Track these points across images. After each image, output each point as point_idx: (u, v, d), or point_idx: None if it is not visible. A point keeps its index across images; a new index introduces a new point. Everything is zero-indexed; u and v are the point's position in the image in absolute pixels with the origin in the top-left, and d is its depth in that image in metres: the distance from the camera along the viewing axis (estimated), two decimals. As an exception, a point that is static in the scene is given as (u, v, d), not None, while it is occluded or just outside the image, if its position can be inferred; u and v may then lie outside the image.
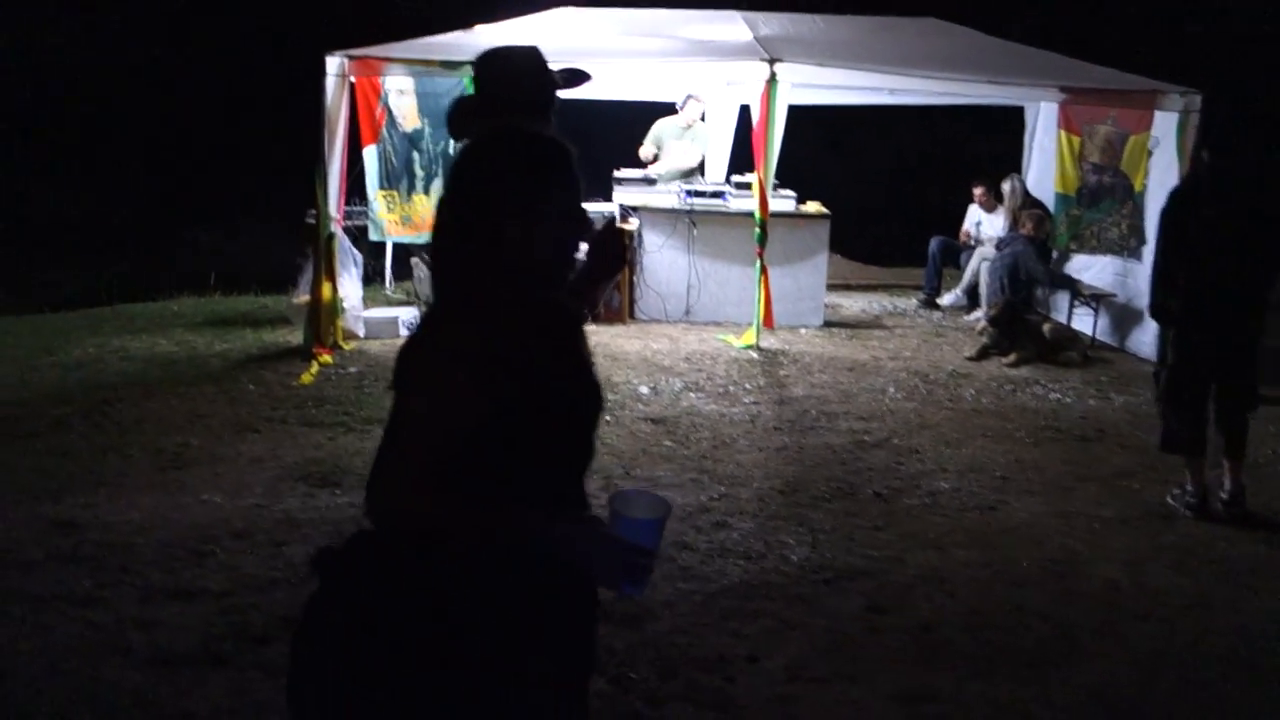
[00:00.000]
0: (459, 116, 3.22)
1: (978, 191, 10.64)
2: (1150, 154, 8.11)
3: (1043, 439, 6.59)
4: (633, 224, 9.19)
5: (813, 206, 9.46)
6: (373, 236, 8.34)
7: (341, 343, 8.13)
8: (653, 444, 6.25)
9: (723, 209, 9.33)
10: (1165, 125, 8.10)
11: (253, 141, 15.57)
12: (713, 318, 9.44)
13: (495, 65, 3.15)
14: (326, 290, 7.96)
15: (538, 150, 2.10)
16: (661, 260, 9.38)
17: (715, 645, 3.83)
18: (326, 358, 7.78)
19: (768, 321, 8.37)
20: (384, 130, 8.11)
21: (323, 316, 7.96)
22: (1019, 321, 8.65)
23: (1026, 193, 10.36)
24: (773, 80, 7.88)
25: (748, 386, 7.48)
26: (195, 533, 4.74)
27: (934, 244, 10.79)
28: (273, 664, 3.66)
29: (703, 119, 10.29)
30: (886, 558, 4.69)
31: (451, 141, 7.93)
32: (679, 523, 4.87)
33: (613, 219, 8.90)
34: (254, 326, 9.06)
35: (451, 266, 2.10)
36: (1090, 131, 8.22)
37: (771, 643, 3.86)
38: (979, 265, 10.31)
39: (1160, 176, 8.15)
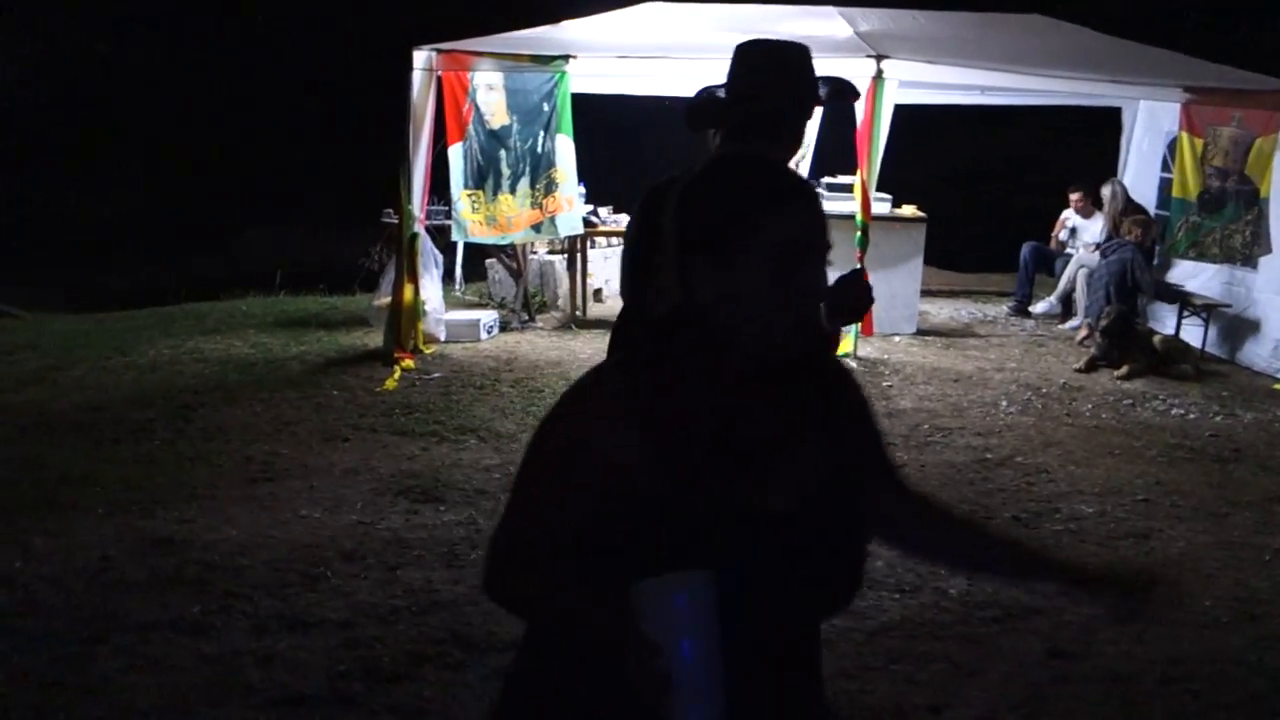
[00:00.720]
0: (702, 107, 2.86)
1: (1074, 196, 10.19)
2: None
3: (1176, 459, 6.17)
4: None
5: (908, 210, 9.06)
6: (455, 237, 8.04)
7: (422, 346, 7.83)
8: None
9: (815, 211, 8.93)
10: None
11: (323, 138, 15.40)
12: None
13: (758, 56, 2.80)
14: (409, 292, 7.67)
15: (787, 186, 1.67)
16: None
17: (889, 693, 3.47)
18: (409, 362, 7.48)
19: (866, 329, 7.98)
20: (470, 127, 7.79)
21: (404, 320, 7.67)
22: (1130, 332, 8.20)
23: (1128, 197, 9.91)
24: (879, 78, 7.50)
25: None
26: (301, 553, 4.43)
27: (1026, 249, 10.34)
28: (406, 706, 3.34)
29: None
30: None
31: (541, 139, 7.64)
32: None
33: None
34: (328, 328, 8.78)
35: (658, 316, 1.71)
36: (1214, 134, 7.77)
37: (951, 691, 3.49)
38: (1075, 272, 9.87)
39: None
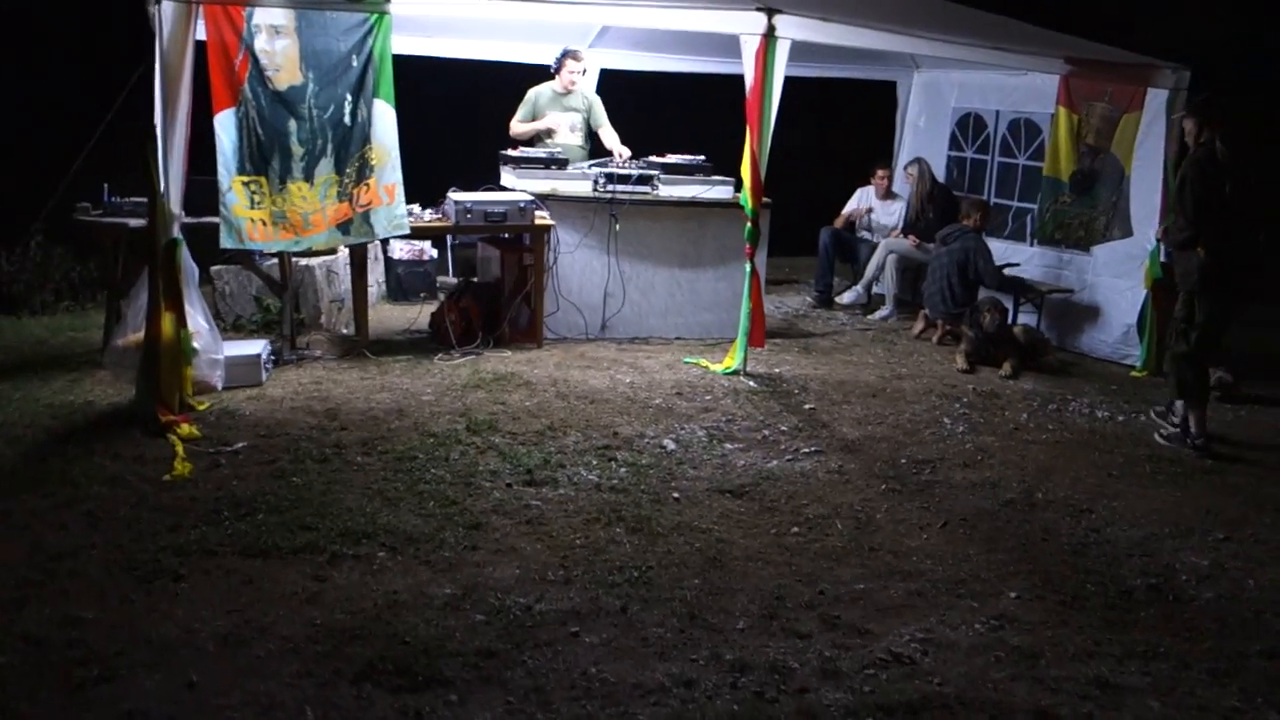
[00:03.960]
0: None
1: (879, 175, 9.52)
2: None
3: (1175, 475, 5.48)
4: (544, 218, 7.13)
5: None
6: (225, 243, 5.71)
7: (192, 400, 5.51)
8: (771, 532, 4.44)
9: (652, 198, 7.50)
10: (1153, 104, 7.32)
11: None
12: (634, 333, 7.62)
13: None
14: (168, 324, 5.32)
15: None
16: (574, 264, 7.39)
17: None
18: (188, 428, 5.17)
19: (758, 339, 6.69)
20: (246, 88, 5.54)
21: (167, 365, 5.32)
22: (1005, 328, 7.58)
23: (934, 177, 9.39)
24: (770, 36, 6.20)
25: (784, 429, 5.79)
26: None
27: (825, 235, 9.53)
28: None
29: (584, 78, 8.36)
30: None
31: (349, 105, 5.63)
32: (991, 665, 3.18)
33: None
34: (41, 374, 6.09)
35: None
36: (1089, 109, 7.27)
37: None
38: (884, 259, 9.21)
39: (1147, 157, 7.38)
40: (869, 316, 9.08)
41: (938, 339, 8.11)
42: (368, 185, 5.91)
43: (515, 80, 8.87)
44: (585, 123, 8.33)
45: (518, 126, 8.26)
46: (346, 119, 5.76)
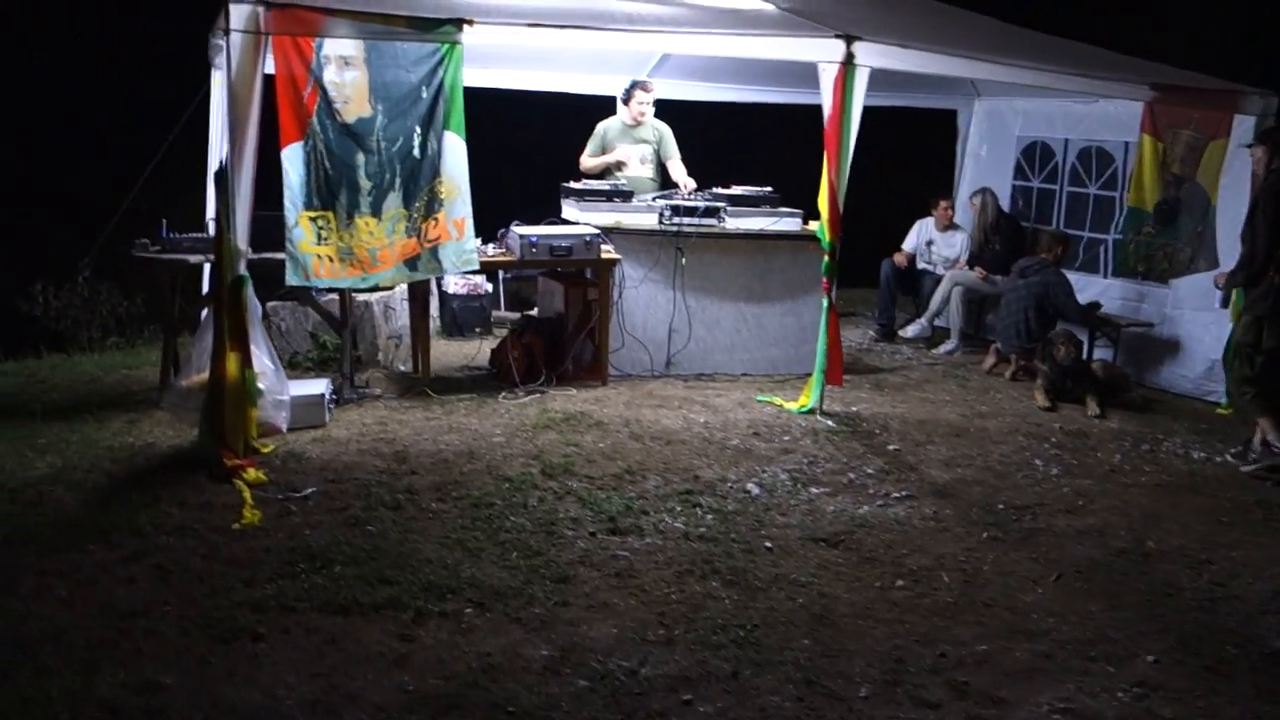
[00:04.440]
0: None
1: (942, 206, 9.26)
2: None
3: (1289, 522, 5.18)
4: (609, 252, 6.92)
5: (817, 225, 7.59)
6: (291, 280, 5.52)
7: (257, 443, 5.30)
8: (875, 586, 4.17)
9: (718, 230, 7.28)
10: (1240, 131, 7.05)
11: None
12: (700, 369, 7.37)
13: None
14: (233, 365, 5.13)
15: None
16: (639, 298, 7.17)
17: None
18: (255, 473, 4.96)
19: (835, 377, 6.42)
20: (314, 120, 5.37)
21: (231, 408, 5.12)
22: (1081, 362, 7.29)
23: (999, 208, 9.14)
24: (849, 64, 5.98)
25: (870, 471, 5.52)
26: None
27: (886, 267, 9.28)
28: None
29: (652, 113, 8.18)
30: None
31: (419, 138, 5.46)
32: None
33: None
34: (63, 417, 5.91)
35: None
36: (1174, 137, 7.01)
37: None
38: (949, 291, 8.94)
39: (1233, 186, 7.10)
40: (934, 351, 8.80)
41: (1011, 374, 7.81)
42: (436, 220, 5.71)
43: (570, 111, 8.72)
44: (656, 155, 8.15)
45: (588, 161, 8.09)
46: (416, 151, 5.57)
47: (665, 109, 9.17)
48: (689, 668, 3.47)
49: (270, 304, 7.28)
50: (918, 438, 6.14)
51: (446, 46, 5.51)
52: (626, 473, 5.27)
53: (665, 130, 8.20)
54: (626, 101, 8.02)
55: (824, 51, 6.01)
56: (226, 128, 5.11)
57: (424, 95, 5.55)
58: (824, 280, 6.33)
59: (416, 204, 5.64)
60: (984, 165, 9.92)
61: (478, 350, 7.49)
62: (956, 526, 4.88)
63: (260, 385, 5.32)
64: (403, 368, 7.29)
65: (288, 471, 5.10)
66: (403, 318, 7.47)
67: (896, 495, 5.22)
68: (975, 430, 6.37)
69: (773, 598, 4.03)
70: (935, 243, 9.40)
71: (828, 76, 6.05)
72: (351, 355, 6.67)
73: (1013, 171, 9.57)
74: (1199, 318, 7.60)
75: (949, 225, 9.34)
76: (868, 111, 6.09)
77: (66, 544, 4.19)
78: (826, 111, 6.08)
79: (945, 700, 3.35)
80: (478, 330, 8.47)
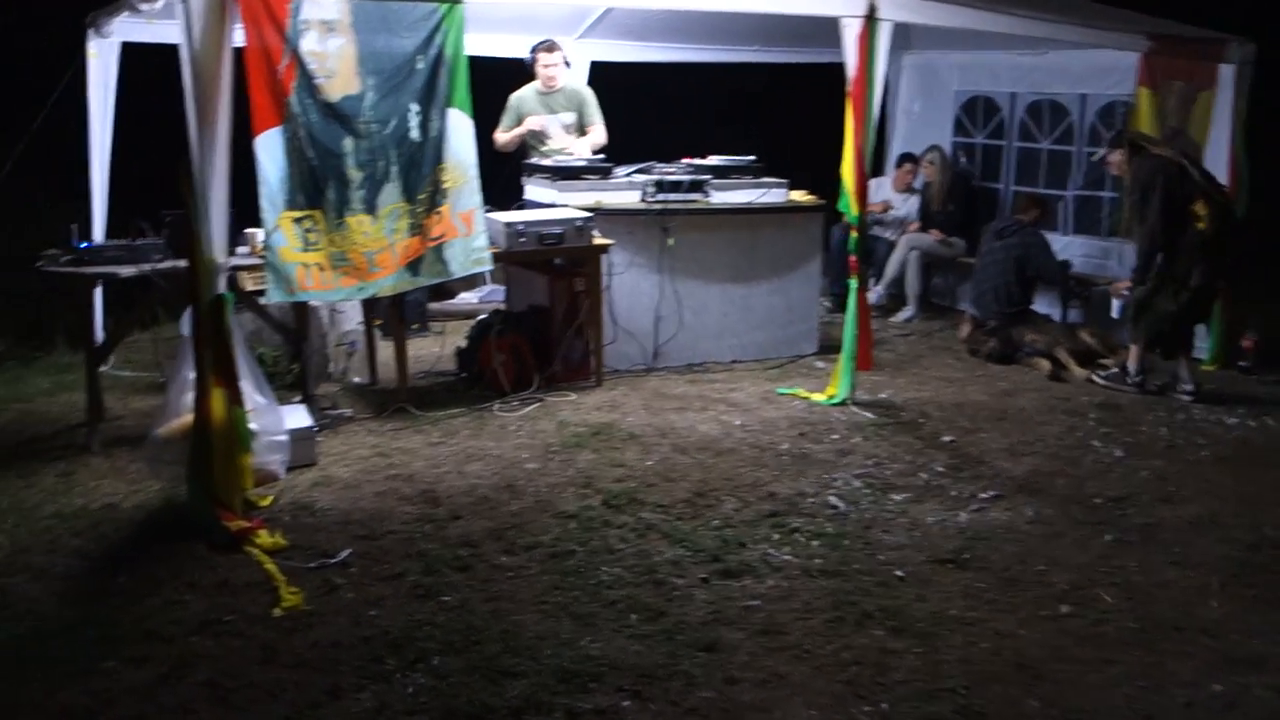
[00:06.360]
0: None
1: (906, 167, 8.86)
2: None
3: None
4: (599, 238, 6.18)
5: (800, 195, 7.05)
6: (273, 296, 4.57)
7: (254, 496, 4.38)
8: (1041, 615, 3.69)
9: (704, 206, 6.63)
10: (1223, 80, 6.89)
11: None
12: (689, 359, 6.75)
13: None
14: (218, 402, 4.18)
15: None
16: (623, 285, 6.47)
17: None
18: (269, 537, 4.07)
19: (865, 362, 5.92)
20: (293, 100, 4.42)
21: (222, 459, 4.18)
22: (1068, 329, 7.06)
23: (952, 169, 8.81)
24: (872, 19, 5.42)
25: (940, 469, 5.05)
26: None
27: (837, 232, 8.79)
28: None
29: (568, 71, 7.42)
30: None
31: (417, 116, 4.62)
32: None
33: None
34: (16, 470, 4.80)
35: None
36: (1168, 88, 6.76)
37: None
38: (905, 256, 8.59)
39: (1216, 138, 6.94)
40: (891, 319, 8.43)
41: (965, 339, 7.57)
42: (439, 214, 4.85)
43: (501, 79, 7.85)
44: (580, 122, 7.34)
45: (501, 136, 7.24)
46: (413, 133, 4.69)
47: (603, 72, 8.42)
48: (935, 757, 2.89)
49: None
50: (964, 424, 5.71)
51: (446, 6, 4.63)
52: (697, 496, 4.61)
53: (587, 94, 7.37)
54: (531, 64, 7.19)
55: (846, 6, 5.43)
56: (192, 112, 4.12)
57: (419, 66, 4.68)
58: (852, 258, 5.79)
59: (419, 195, 4.77)
60: (917, 123, 9.59)
61: (440, 350, 6.64)
62: (1068, 529, 4.45)
63: (252, 425, 4.38)
64: (358, 380, 6.36)
65: (303, 529, 4.22)
66: (351, 320, 6.52)
67: (984, 496, 4.76)
68: (1013, 411, 5.99)
69: (953, 644, 3.48)
70: (892, 205, 9.01)
71: (850, 33, 5.47)
72: (306, 371, 5.72)
73: (952, 128, 9.28)
74: (1174, 273, 7.47)
75: (907, 188, 8.96)
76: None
77: (74, 664, 3.24)
78: (850, 72, 5.51)
79: (1234, 765, 2.89)
80: (414, 327, 7.55)
